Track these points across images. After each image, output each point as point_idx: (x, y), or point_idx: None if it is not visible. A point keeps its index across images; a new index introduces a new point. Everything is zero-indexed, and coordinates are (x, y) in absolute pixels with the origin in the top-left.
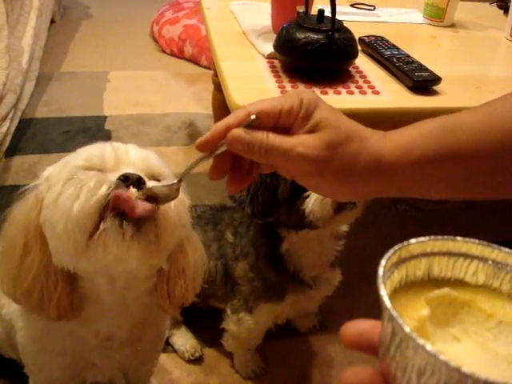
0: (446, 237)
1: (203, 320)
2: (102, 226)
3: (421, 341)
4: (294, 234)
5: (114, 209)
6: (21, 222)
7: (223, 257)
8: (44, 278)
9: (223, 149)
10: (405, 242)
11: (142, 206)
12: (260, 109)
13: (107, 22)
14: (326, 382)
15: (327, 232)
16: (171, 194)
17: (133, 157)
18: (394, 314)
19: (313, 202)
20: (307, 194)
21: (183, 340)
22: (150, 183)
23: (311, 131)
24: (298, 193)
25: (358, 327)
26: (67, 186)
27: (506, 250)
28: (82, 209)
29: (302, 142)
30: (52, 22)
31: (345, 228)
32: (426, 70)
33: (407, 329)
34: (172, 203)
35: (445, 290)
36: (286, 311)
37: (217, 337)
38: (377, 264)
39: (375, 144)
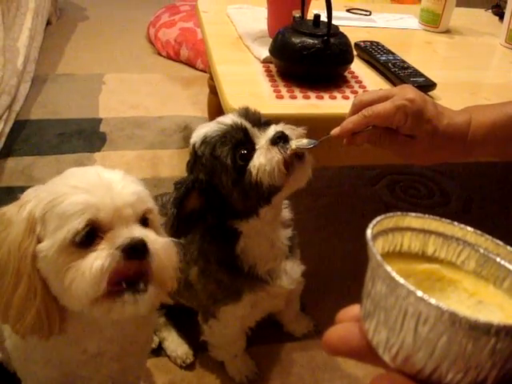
0: (443, 219)
1: (196, 324)
2: (117, 300)
3: (387, 268)
4: (249, 225)
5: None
6: (12, 250)
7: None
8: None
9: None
10: (404, 213)
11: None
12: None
13: (103, 24)
14: None
15: (276, 218)
16: None
17: (128, 200)
18: (371, 243)
19: (257, 157)
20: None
21: (175, 346)
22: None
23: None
24: (242, 169)
25: (339, 332)
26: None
27: (498, 241)
28: (94, 278)
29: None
30: (48, 23)
31: (289, 215)
32: (421, 75)
33: (378, 256)
34: (161, 252)
35: (435, 266)
36: (248, 311)
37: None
38: None
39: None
